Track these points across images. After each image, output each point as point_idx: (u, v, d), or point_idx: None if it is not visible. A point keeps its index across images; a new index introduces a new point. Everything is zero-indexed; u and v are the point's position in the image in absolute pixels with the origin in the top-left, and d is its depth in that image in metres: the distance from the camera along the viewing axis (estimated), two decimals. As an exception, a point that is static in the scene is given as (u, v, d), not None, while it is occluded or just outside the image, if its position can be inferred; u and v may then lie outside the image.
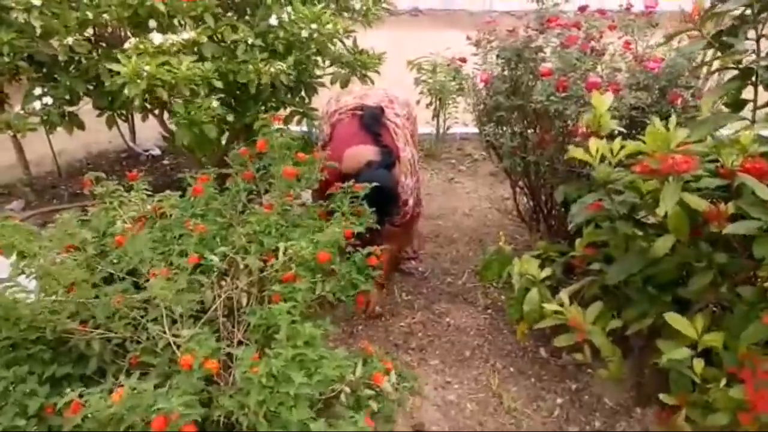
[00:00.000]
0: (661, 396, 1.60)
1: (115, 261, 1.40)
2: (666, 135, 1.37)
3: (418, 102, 3.51)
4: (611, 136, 1.73)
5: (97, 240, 1.48)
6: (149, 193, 1.61)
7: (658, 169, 1.33)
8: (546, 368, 2.12)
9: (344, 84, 3.13)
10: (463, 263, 2.84)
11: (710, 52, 2.14)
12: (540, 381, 2.07)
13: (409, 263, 2.78)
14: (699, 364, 1.50)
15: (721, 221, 1.34)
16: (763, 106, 1.58)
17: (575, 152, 1.60)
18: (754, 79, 1.59)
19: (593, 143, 1.55)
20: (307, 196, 2.28)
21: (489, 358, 2.18)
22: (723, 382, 1.45)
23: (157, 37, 2.44)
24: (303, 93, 3.24)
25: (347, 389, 1.35)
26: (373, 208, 1.93)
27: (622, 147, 1.52)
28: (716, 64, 1.89)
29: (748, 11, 1.62)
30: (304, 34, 2.57)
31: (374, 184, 1.93)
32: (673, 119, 1.42)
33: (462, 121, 3.62)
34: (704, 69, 1.99)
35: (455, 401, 1.99)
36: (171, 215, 1.49)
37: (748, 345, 1.45)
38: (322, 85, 3.26)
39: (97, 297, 1.31)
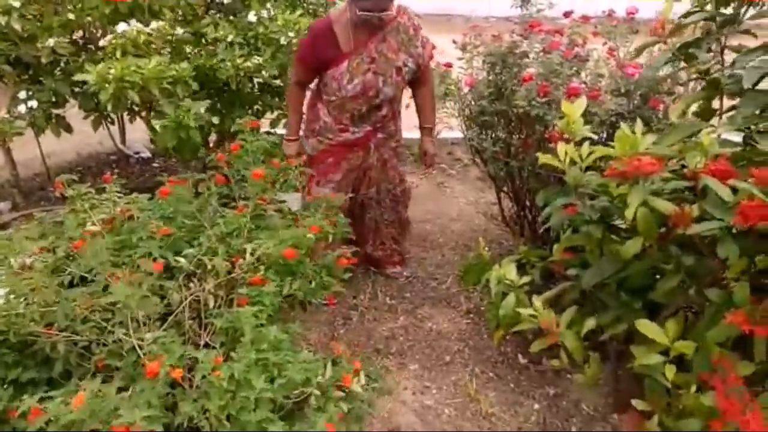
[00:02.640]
0: (634, 402, 1.60)
1: (81, 264, 1.40)
2: (634, 140, 1.38)
3: (407, 106, 3.52)
4: (593, 142, 1.74)
5: (66, 242, 1.48)
6: (121, 195, 1.61)
7: (625, 171, 1.33)
8: (525, 374, 2.11)
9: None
10: (448, 268, 2.83)
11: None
12: (518, 386, 2.06)
13: (395, 268, 2.76)
14: (670, 370, 1.49)
15: (686, 223, 1.34)
16: (727, 111, 1.59)
17: (544, 158, 1.60)
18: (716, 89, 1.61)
19: (561, 148, 1.55)
20: (292, 201, 2.24)
21: (468, 363, 2.17)
22: (693, 388, 1.45)
23: (121, 27, 2.45)
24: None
25: (317, 392, 1.34)
26: None
27: (591, 152, 1.53)
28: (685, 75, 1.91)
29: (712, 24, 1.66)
30: (283, 41, 2.58)
31: None
32: (639, 124, 1.43)
33: (450, 125, 3.63)
34: (684, 75, 2.00)
35: (433, 406, 1.98)
36: (138, 218, 1.49)
37: (718, 348, 1.45)
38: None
39: (58, 301, 1.31)
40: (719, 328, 1.37)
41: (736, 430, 1.34)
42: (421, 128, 2.50)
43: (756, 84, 1.49)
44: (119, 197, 1.60)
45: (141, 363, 1.27)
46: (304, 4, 2.99)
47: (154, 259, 1.36)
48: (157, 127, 2.44)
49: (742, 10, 1.61)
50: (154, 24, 2.43)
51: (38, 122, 2.82)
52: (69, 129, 3.14)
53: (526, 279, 1.96)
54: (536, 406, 1.97)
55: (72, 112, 3.13)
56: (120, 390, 1.26)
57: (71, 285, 1.41)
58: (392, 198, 2.57)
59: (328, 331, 2.37)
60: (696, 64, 1.69)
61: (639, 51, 1.93)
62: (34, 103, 2.74)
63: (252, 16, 2.64)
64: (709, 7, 1.63)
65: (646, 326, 1.52)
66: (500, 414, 1.94)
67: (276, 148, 1.82)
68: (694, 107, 1.73)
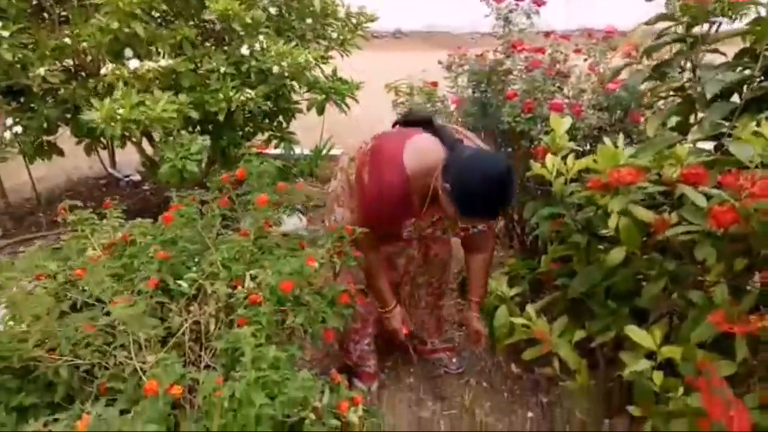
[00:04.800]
0: (628, 407, 1.64)
1: (83, 289, 1.43)
2: (615, 152, 1.45)
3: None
4: (578, 155, 1.81)
5: (67, 268, 1.51)
6: (122, 220, 1.64)
7: (607, 183, 1.40)
8: (518, 383, 2.15)
9: (320, 111, 3.19)
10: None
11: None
12: (512, 395, 2.10)
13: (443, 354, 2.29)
14: (658, 376, 1.54)
15: (666, 230, 1.41)
16: (697, 123, 1.68)
17: (536, 167, 1.67)
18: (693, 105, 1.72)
19: (549, 159, 1.62)
20: (293, 224, 2.22)
21: (463, 375, 2.21)
22: (681, 391, 1.50)
23: (133, 63, 2.50)
24: (281, 118, 3.31)
25: (312, 416, 1.37)
26: (488, 205, 1.52)
27: (575, 164, 1.60)
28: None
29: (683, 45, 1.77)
30: (275, 70, 2.63)
31: (485, 164, 1.49)
32: (621, 138, 1.50)
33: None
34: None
35: (428, 417, 2.02)
36: (141, 243, 1.52)
37: (702, 351, 1.51)
38: (300, 110, 3.32)
39: (61, 326, 1.33)
40: (701, 328, 1.44)
41: (722, 430, 1.40)
42: (469, 300, 2.02)
43: (722, 95, 1.59)
44: (120, 223, 1.63)
45: (143, 385, 1.29)
46: (291, 31, 3.05)
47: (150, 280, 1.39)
48: (159, 165, 2.47)
49: (713, 29, 1.71)
50: (163, 62, 2.46)
51: (26, 149, 2.84)
52: (61, 153, 3.17)
53: (516, 290, 2.02)
54: (530, 414, 2.01)
55: (63, 136, 3.15)
56: (123, 412, 1.29)
57: (73, 310, 1.44)
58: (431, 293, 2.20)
59: (323, 348, 2.39)
60: (670, 81, 1.77)
61: (615, 73, 2.02)
62: (19, 129, 2.75)
63: (245, 50, 2.69)
64: (679, 29, 1.72)
65: (633, 332, 1.57)
66: (495, 423, 1.97)
67: (281, 171, 1.84)
68: (672, 122, 1.81)
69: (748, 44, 1.68)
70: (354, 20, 3.27)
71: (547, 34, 2.62)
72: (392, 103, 4.07)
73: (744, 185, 1.23)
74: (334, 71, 3.22)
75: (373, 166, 1.70)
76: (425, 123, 1.75)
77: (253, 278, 1.40)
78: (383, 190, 1.66)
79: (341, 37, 3.20)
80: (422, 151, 1.65)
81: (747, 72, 1.62)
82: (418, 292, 2.18)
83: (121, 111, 2.23)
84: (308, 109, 3.18)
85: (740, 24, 1.69)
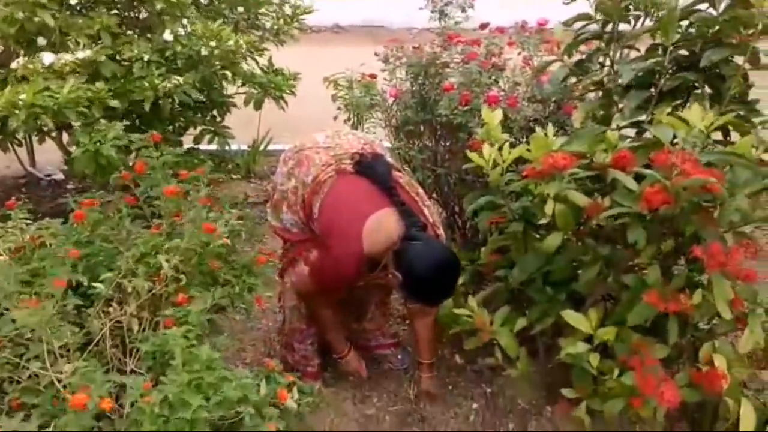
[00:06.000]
0: (563, 390, 1.68)
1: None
2: (547, 141, 1.47)
3: (335, 118, 3.53)
4: (513, 146, 1.83)
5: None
6: (30, 221, 1.50)
7: (542, 170, 1.42)
8: (462, 374, 2.16)
9: (258, 105, 3.09)
10: (382, 275, 2.85)
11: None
12: (456, 387, 2.10)
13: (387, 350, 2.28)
14: (595, 358, 1.58)
15: (600, 215, 1.44)
16: (618, 110, 1.79)
17: (472, 156, 1.68)
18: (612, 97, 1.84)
19: (485, 149, 1.63)
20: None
21: (407, 370, 2.19)
22: (616, 372, 1.55)
23: (48, 57, 2.32)
24: (214, 112, 3.18)
25: (251, 410, 1.31)
26: (434, 295, 1.69)
27: (510, 153, 1.62)
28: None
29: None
30: (204, 52, 2.51)
31: (434, 260, 1.61)
32: (550, 128, 1.54)
33: (378, 136, 3.68)
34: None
35: (374, 414, 1.98)
36: (51, 244, 1.40)
37: (637, 332, 1.56)
38: (234, 105, 3.20)
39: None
40: (636, 310, 1.48)
41: (653, 407, 1.45)
42: (419, 363, 2.03)
43: (637, 86, 1.72)
44: (27, 224, 1.49)
45: (61, 397, 1.19)
46: (222, 20, 2.94)
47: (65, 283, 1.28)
48: (74, 153, 2.30)
49: (628, 26, 1.81)
50: (81, 53, 2.28)
51: (-68, 147, 2.59)
52: (-30, 152, 2.91)
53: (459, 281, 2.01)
54: (474, 405, 2.01)
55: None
56: (40, 427, 1.18)
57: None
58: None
59: (264, 349, 2.32)
60: (591, 76, 1.88)
61: (540, 69, 2.10)
62: None
63: (168, 35, 2.55)
64: (594, 27, 1.85)
65: (570, 316, 1.61)
66: (440, 416, 1.97)
67: (180, 159, 1.75)
68: (597, 114, 1.89)
69: (657, 40, 1.78)
70: (289, 10, 3.18)
71: (482, 27, 2.65)
72: (332, 97, 4.03)
73: (675, 163, 1.27)
74: (270, 62, 3.13)
75: (328, 228, 1.72)
76: (381, 179, 1.77)
77: (167, 261, 1.32)
78: (337, 260, 1.69)
79: (275, 27, 3.11)
80: (382, 230, 1.67)
81: (658, 62, 1.74)
82: (368, 290, 2.15)
83: (23, 96, 2.05)
84: (245, 104, 3.07)
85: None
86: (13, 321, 1.23)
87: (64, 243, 1.40)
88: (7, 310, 1.30)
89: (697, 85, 1.74)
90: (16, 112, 2.06)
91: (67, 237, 1.43)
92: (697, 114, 1.43)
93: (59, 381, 1.21)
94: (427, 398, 2.01)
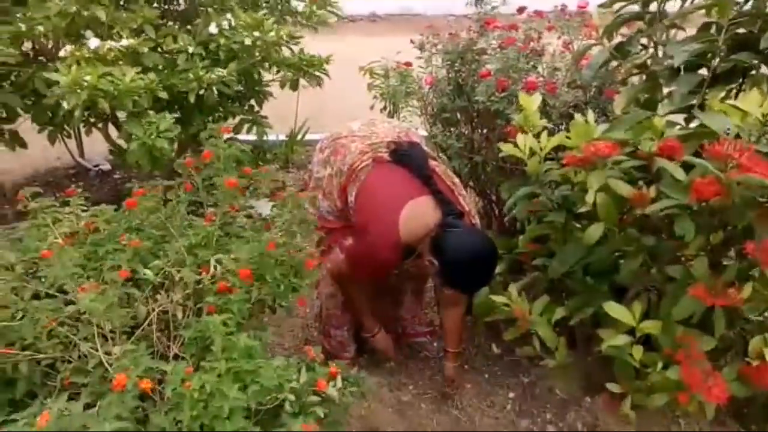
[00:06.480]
0: (608, 385, 1.64)
1: (44, 279, 1.36)
2: (588, 128, 1.42)
3: (372, 107, 3.53)
4: (553, 133, 1.78)
5: (27, 259, 1.43)
6: (86, 208, 1.56)
7: (583, 157, 1.37)
8: (499, 364, 2.14)
9: (294, 87, 3.10)
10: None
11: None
12: (493, 377, 2.09)
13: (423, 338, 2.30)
14: (638, 351, 1.54)
15: (645, 205, 1.39)
16: (666, 95, 1.68)
17: (505, 147, 1.64)
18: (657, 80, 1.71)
19: (520, 138, 1.59)
20: (264, 209, 2.17)
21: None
22: (660, 365, 1.50)
23: (94, 42, 2.39)
24: (252, 101, 3.22)
25: (291, 397, 1.33)
26: (472, 282, 1.68)
27: (549, 141, 1.57)
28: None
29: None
30: (247, 42, 2.54)
31: (473, 247, 1.63)
32: (591, 114, 1.48)
33: (414, 124, 3.66)
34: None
35: (410, 401, 2.00)
36: (104, 230, 1.45)
37: (682, 325, 1.51)
38: (271, 94, 3.23)
39: (23, 317, 1.27)
40: (682, 304, 1.42)
41: (700, 401, 1.40)
42: (445, 350, 2.06)
43: (687, 68, 1.60)
44: (83, 210, 1.55)
45: (108, 378, 1.24)
46: (259, 8, 2.96)
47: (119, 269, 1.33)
48: (127, 145, 2.37)
49: (667, 5, 1.71)
50: (125, 42, 2.34)
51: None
52: (24, 144, 3.04)
53: (497, 269, 1.99)
54: (511, 394, 2.00)
55: (24, 127, 3.03)
56: (88, 406, 1.23)
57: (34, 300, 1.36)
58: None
59: (302, 335, 2.36)
60: (632, 59, 1.77)
61: (580, 53, 2.02)
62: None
63: (213, 28, 2.59)
64: (636, 7, 1.72)
65: (612, 308, 1.56)
66: (477, 404, 1.96)
67: (246, 155, 1.78)
68: (641, 99, 1.80)
69: (711, 18, 1.67)
70: (322, -6, 3.18)
71: (520, 11, 2.59)
72: (368, 86, 4.03)
73: (731, 155, 1.21)
74: (301, 51, 3.13)
75: (365, 215, 1.74)
76: (417, 167, 1.77)
77: (218, 263, 1.35)
78: (374, 248, 1.70)
79: (308, 11, 3.10)
80: (419, 217, 1.68)
81: (712, 43, 1.61)
82: (404, 278, 2.16)
83: (88, 78, 2.11)
84: (281, 86, 3.07)
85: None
86: (72, 303, 1.29)
87: (117, 230, 1.45)
88: (61, 291, 1.37)
89: (754, 67, 1.61)
90: (78, 91, 2.11)
91: (120, 223, 1.48)
92: (754, 100, 1.34)
93: (108, 362, 1.26)
94: (450, 386, 2.01)
